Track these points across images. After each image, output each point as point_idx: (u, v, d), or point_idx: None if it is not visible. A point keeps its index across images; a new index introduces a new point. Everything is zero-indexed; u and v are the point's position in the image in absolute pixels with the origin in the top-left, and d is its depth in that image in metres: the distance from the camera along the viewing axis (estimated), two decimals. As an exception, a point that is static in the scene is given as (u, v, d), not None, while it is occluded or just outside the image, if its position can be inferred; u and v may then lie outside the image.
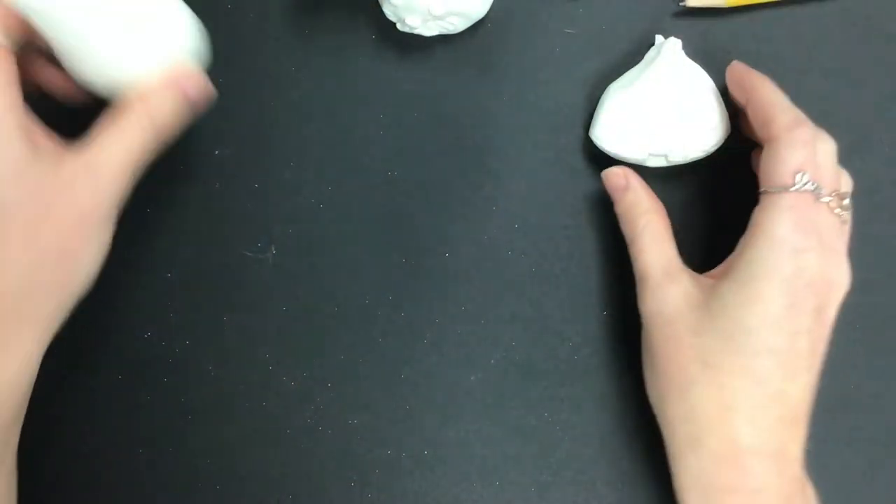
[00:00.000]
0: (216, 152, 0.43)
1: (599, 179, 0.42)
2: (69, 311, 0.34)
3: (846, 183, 0.37)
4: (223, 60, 0.43)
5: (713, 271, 0.38)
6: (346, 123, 0.43)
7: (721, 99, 0.40)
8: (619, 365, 0.42)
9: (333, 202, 0.43)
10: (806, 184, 0.34)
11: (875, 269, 0.42)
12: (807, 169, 0.34)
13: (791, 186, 0.34)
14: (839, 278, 0.35)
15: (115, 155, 0.34)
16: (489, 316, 0.42)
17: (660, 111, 0.39)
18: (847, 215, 0.36)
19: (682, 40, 0.40)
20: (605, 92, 0.41)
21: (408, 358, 0.42)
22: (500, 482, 0.41)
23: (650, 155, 0.40)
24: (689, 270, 0.38)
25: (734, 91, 0.39)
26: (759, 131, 0.36)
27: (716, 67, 0.41)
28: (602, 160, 0.42)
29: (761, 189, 0.35)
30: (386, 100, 0.43)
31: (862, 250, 0.42)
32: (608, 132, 0.40)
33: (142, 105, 0.34)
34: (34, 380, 0.34)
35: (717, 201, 0.42)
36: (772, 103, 0.36)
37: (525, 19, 0.43)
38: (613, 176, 0.40)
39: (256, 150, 0.43)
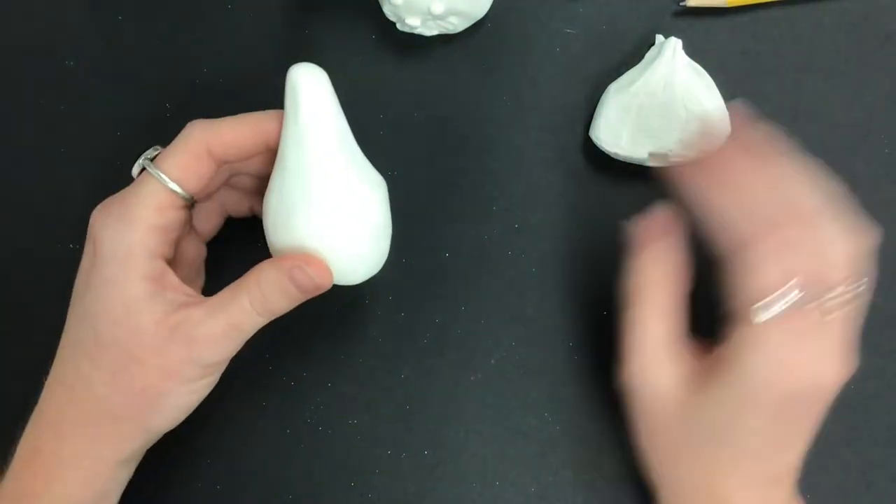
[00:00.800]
0: (216, 152, 0.43)
1: (599, 179, 0.42)
2: (152, 441, 0.36)
3: (857, 252, 0.32)
4: (223, 60, 0.43)
5: (711, 353, 0.35)
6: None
7: (721, 99, 0.40)
8: (619, 365, 0.42)
9: (333, 202, 0.43)
10: (791, 299, 0.30)
11: (875, 269, 0.42)
12: (779, 287, 0.30)
13: (773, 305, 0.30)
14: (832, 377, 0.32)
15: (216, 328, 0.34)
16: (489, 316, 0.42)
17: (660, 111, 0.39)
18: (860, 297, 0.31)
19: (682, 40, 0.40)
20: (605, 92, 0.41)
21: (408, 358, 0.42)
22: (500, 482, 0.41)
23: (650, 155, 0.40)
24: (689, 347, 0.35)
25: (684, 194, 0.33)
26: (722, 241, 0.32)
27: (716, 67, 0.41)
28: (602, 160, 0.42)
29: (735, 303, 0.32)
30: (386, 100, 0.43)
31: (862, 250, 0.42)
32: (608, 132, 0.40)
33: (257, 290, 0.34)
34: (113, 493, 0.36)
35: (717, 201, 0.42)
36: (732, 220, 0.31)
37: (525, 19, 0.43)
38: (647, 227, 0.36)
39: (256, 150, 0.43)
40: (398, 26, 0.40)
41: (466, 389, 0.42)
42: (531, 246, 0.42)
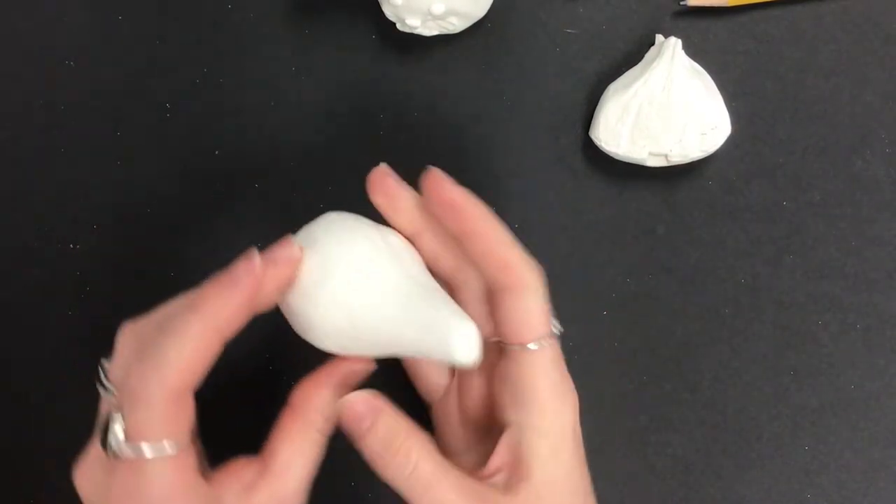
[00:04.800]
0: (216, 152, 0.43)
1: (599, 179, 0.42)
2: None
3: None
4: (223, 60, 0.43)
5: (487, 470, 0.32)
6: (346, 123, 0.43)
7: (721, 99, 0.40)
8: (619, 365, 0.42)
9: (334, 202, 0.43)
10: (557, 327, 0.32)
11: (875, 269, 0.42)
12: (549, 311, 0.32)
13: (548, 334, 0.32)
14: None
15: (298, 478, 0.32)
16: (489, 316, 0.42)
17: (660, 111, 0.39)
18: None
19: (682, 40, 0.40)
20: (605, 92, 0.41)
21: (408, 358, 0.42)
22: (500, 482, 0.41)
23: (650, 155, 0.40)
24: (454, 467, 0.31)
25: (441, 215, 0.32)
26: (487, 272, 0.32)
27: (716, 67, 0.41)
28: (602, 160, 0.42)
29: (512, 344, 0.32)
30: (386, 100, 0.43)
31: (862, 250, 0.42)
32: (608, 132, 0.40)
33: (316, 413, 0.32)
34: None
35: (718, 201, 0.42)
36: (498, 242, 0.31)
37: (525, 19, 0.43)
38: (354, 406, 0.32)
39: (256, 151, 0.43)
40: (398, 26, 0.40)
41: (466, 389, 0.42)
42: (531, 246, 0.42)
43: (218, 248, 0.43)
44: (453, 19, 0.39)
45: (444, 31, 0.40)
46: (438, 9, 0.38)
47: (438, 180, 0.32)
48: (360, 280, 0.31)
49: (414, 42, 0.42)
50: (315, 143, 0.43)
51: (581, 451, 0.32)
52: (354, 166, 0.43)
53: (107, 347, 0.43)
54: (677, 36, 0.40)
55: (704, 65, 0.41)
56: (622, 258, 0.42)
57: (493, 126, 0.43)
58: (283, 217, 0.43)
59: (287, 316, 0.34)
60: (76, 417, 0.43)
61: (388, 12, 0.39)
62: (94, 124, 0.43)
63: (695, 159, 0.40)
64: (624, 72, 0.41)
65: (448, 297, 0.32)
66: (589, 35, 0.43)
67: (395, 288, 0.31)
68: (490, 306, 0.33)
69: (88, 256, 0.43)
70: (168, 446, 0.29)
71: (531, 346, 0.31)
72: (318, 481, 0.42)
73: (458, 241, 0.32)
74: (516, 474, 0.31)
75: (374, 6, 0.40)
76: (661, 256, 0.42)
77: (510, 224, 0.42)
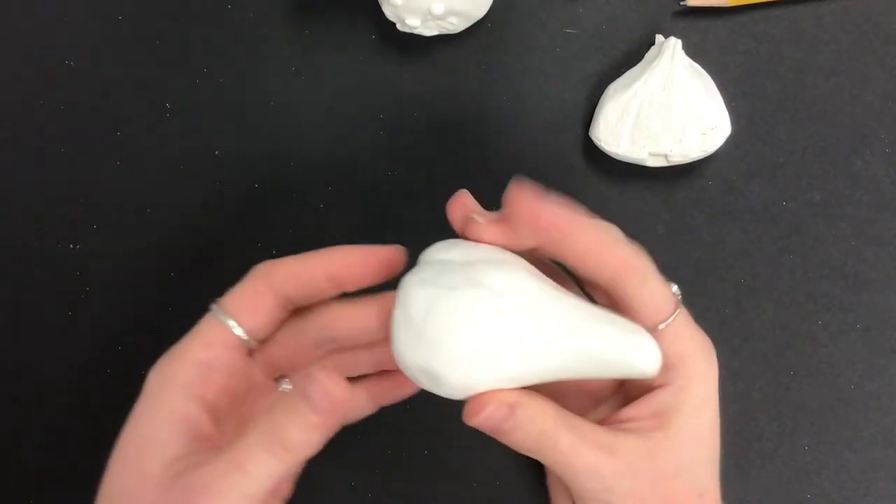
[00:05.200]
0: (216, 152, 0.43)
1: (599, 179, 0.42)
2: None
3: None
4: (223, 60, 0.43)
5: (620, 415, 0.33)
6: (346, 123, 0.43)
7: (721, 99, 0.40)
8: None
9: (333, 202, 0.43)
10: (677, 291, 0.33)
11: (875, 269, 0.42)
12: (671, 299, 0.32)
13: (676, 305, 0.32)
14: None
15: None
16: (489, 316, 0.42)
17: (660, 111, 0.39)
18: None
19: (682, 40, 0.40)
20: (605, 92, 0.41)
21: (408, 358, 0.42)
22: (500, 482, 0.41)
23: (650, 155, 0.40)
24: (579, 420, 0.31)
25: (538, 239, 0.32)
26: (604, 278, 0.32)
27: (716, 67, 0.41)
28: (602, 160, 0.42)
29: (657, 325, 0.32)
30: (386, 100, 0.43)
31: (862, 250, 0.42)
32: (608, 132, 0.40)
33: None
34: None
35: (718, 201, 0.42)
36: (608, 246, 0.31)
37: (525, 19, 0.43)
38: (490, 408, 0.31)
39: (256, 150, 0.43)
40: (398, 26, 0.40)
41: (466, 389, 0.42)
42: (531, 246, 0.42)
43: (218, 248, 0.43)
44: (453, 19, 0.39)
45: (444, 31, 0.40)
46: (438, 9, 0.38)
47: (525, 211, 0.32)
48: (531, 309, 0.30)
49: (414, 42, 0.42)
50: (315, 143, 0.43)
51: (718, 409, 0.33)
52: (354, 166, 0.43)
53: (106, 347, 0.43)
54: (677, 36, 0.40)
55: (704, 65, 0.41)
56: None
57: (493, 126, 0.43)
58: (283, 217, 0.43)
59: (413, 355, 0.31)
60: (75, 417, 0.43)
61: (388, 12, 0.39)
62: (94, 124, 0.43)
63: (695, 159, 0.40)
64: (624, 72, 0.41)
65: (613, 312, 0.32)
66: (589, 35, 0.43)
67: (565, 311, 0.30)
68: (611, 299, 0.33)
69: (88, 256, 0.43)
70: (222, 315, 0.32)
71: (662, 321, 0.32)
72: (317, 481, 0.42)
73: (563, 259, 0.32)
74: (655, 425, 0.32)
75: (374, 6, 0.40)
76: (661, 256, 0.42)
77: (510, 224, 0.42)
